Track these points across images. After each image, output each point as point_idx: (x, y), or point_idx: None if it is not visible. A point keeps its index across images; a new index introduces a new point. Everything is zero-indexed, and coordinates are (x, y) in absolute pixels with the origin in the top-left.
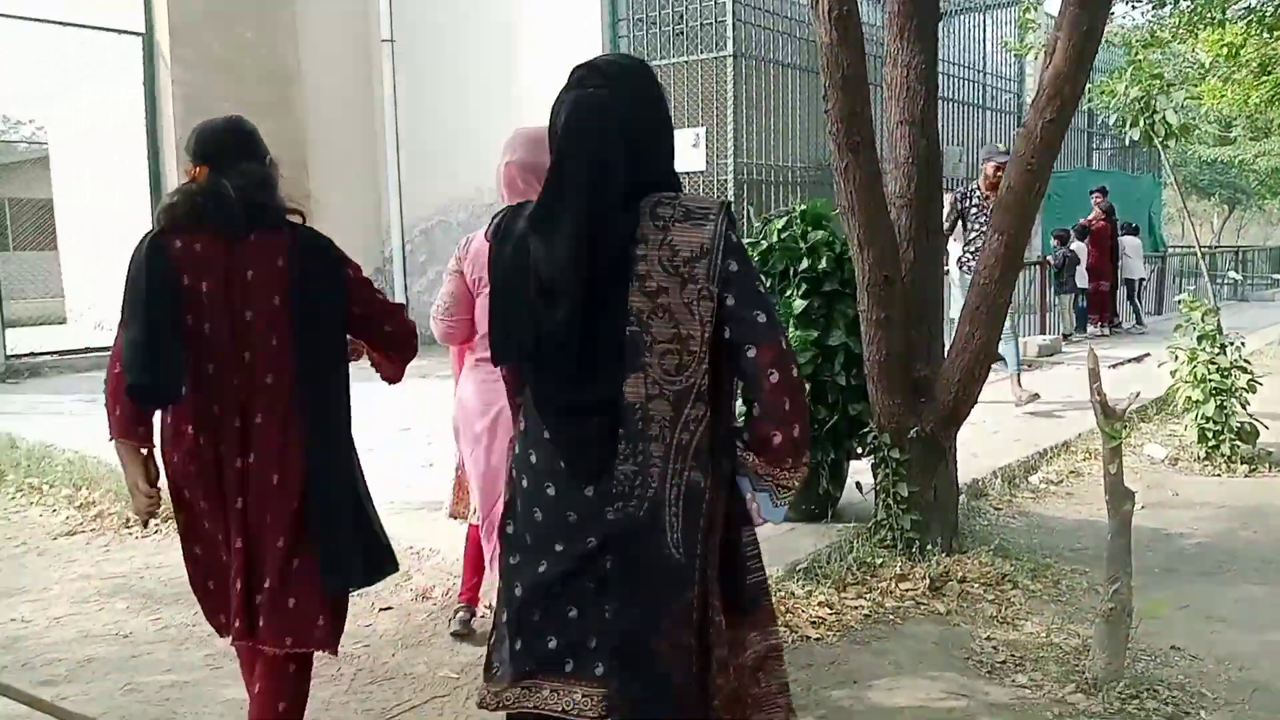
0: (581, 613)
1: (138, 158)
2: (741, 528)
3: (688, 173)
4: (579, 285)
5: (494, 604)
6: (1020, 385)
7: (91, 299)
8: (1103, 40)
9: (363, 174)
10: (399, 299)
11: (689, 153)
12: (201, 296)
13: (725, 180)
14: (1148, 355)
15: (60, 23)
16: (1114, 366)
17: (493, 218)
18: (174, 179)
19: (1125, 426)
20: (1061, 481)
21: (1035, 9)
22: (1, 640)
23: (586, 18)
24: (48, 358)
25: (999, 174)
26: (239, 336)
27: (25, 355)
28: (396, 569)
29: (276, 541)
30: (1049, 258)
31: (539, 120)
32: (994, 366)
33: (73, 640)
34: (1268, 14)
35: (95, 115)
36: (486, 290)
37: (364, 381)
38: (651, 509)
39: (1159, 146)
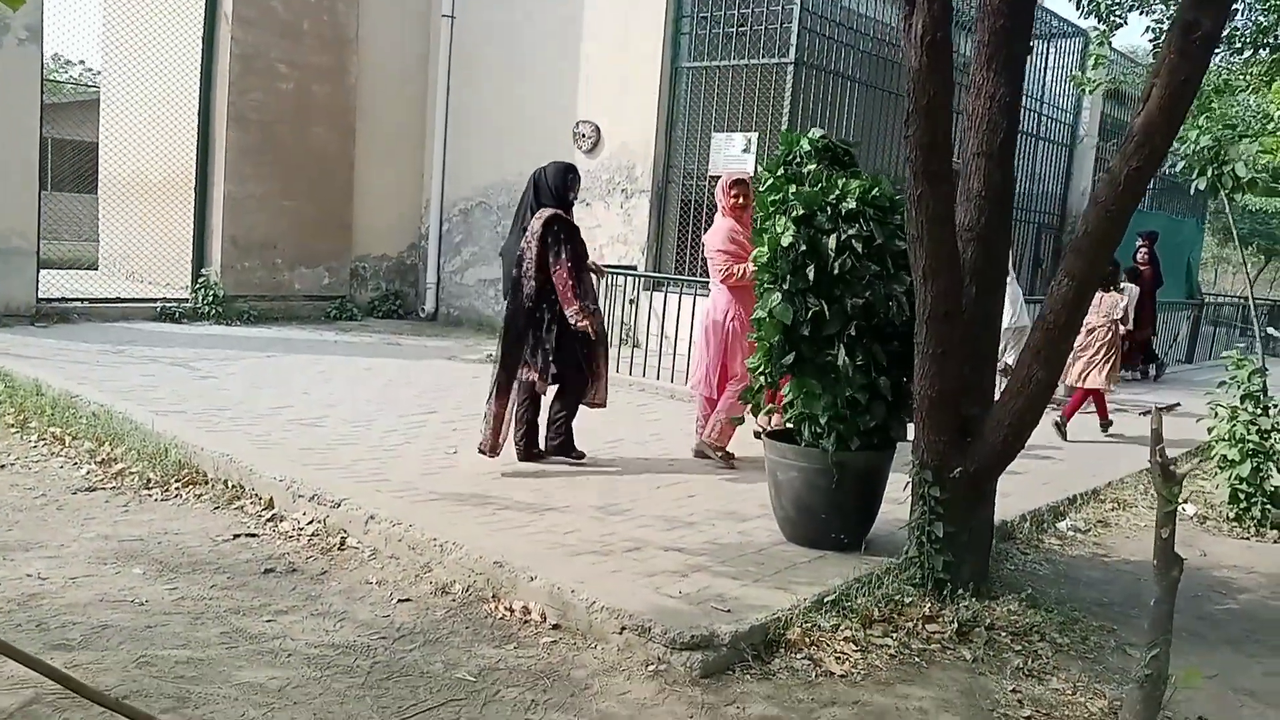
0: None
1: (189, 112)
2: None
3: None
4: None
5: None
6: None
7: (125, 248)
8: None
9: (409, 148)
10: (430, 277)
11: (739, 157)
12: None
13: None
14: (1178, 405)
15: None
16: (1144, 413)
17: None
18: (224, 135)
19: (1180, 491)
20: (1090, 530)
21: (1105, 44)
22: (18, 597)
23: (650, 14)
24: (78, 304)
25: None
26: None
27: (56, 300)
28: None
29: None
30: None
31: (588, 113)
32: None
33: (88, 604)
34: None
35: (151, 66)
36: None
37: (384, 357)
38: (525, 308)
39: (1225, 198)
